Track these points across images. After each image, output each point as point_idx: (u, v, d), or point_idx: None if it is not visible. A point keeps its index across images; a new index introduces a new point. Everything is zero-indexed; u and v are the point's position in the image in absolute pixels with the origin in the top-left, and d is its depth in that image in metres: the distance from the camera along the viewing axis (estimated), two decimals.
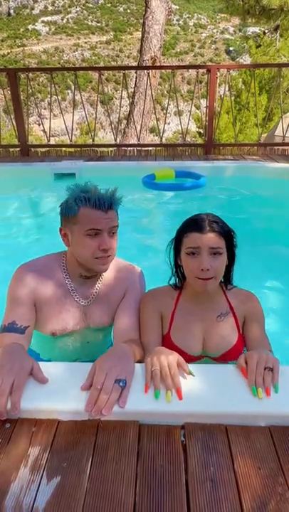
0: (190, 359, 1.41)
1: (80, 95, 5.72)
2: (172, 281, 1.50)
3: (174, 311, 1.46)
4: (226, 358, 1.42)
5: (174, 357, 1.18)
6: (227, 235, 1.35)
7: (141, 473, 0.96)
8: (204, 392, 1.13)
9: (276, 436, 1.06)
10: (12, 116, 5.30)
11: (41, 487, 0.93)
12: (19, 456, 1.01)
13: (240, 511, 0.88)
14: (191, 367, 1.20)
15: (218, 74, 5.21)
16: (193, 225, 1.34)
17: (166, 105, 5.97)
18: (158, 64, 8.75)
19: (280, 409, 1.10)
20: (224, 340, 1.42)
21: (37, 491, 0.92)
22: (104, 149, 5.54)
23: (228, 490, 0.93)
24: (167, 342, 1.44)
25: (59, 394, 1.13)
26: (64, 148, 5.62)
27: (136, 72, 8.65)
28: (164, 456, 1.01)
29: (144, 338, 1.43)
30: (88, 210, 1.31)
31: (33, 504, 0.89)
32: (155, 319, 1.45)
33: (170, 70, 5.56)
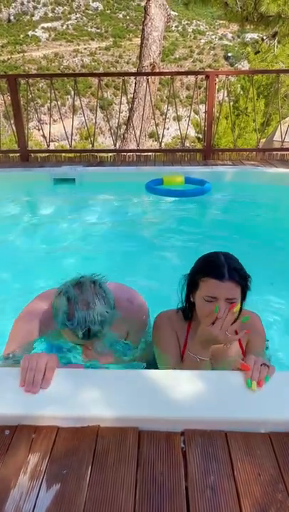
0: None
1: (80, 101, 5.74)
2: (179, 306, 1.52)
3: (186, 340, 1.48)
4: None
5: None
6: (244, 282, 1.34)
7: (140, 480, 0.96)
8: (204, 398, 1.13)
9: (276, 443, 1.05)
10: (12, 122, 5.32)
11: (41, 494, 0.93)
12: (19, 463, 1.00)
13: None
14: (192, 373, 1.20)
15: (217, 80, 5.24)
16: (211, 270, 1.32)
17: (165, 111, 6.00)
18: (157, 70, 8.81)
19: (280, 416, 1.10)
20: (230, 366, 1.42)
21: (36, 498, 0.92)
22: (104, 154, 5.55)
23: (228, 497, 0.92)
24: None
25: (58, 400, 1.13)
26: (64, 154, 5.64)
27: (135, 78, 8.70)
28: (164, 462, 1.01)
29: (165, 353, 1.46)
30: (68, 332, 1.30)
31: (33, 511, 0.89)
32: (173, 340, 1.47)
33: (169, 76, 5.60)
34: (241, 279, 1.33)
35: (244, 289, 1.36)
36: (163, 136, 5.65)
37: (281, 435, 1.08)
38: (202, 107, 5.64)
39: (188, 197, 4.10)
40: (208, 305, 1.31)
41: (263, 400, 1.13)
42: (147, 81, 5.87)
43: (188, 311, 1.48)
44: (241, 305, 1.40)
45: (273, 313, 2.25)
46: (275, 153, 5.41)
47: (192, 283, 1.39)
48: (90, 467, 0.99)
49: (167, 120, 5.90)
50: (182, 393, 1.13)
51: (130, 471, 0.98)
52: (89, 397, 1.13)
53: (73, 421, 1.10)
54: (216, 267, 1.32)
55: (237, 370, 1.22)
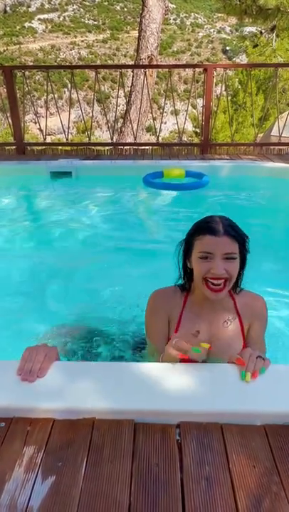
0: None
1: (77, 94, 5.70)
2: (179, 282, 1.46)
3: (182, 313, 1.43)
4: None
5: None
6: (241, 239, 1.30)
7: (136, 472, 0.96)
8: (200, 391, 1.14)
9: (271, 435, 1.06)
10: (8, 115, 5.28)
11: (36, 486, 0.93)
12: (14, 455, 1.00)
13: (235, 510, 0.88)
14: (188, 365, 1.20)
15: (215, 73, 5.20)
16: (207, 227, 1.29)
17: (162, 104, 5.96)
18: (155, 63, 8.73)
19: (275, 408, 1.10)
20: (230, 347, 1.40)
21: (32, 490, 0.92)
22: (101, 148, 5.52)
23: (223, 489, 0.93)
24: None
25: (54, 393, 1.13)
26: (60, 147, 5.60)
27: (133, 71, 8.61)
28: (160, 455, 1.01)
29: (150, 338, 1.44)
30: None
31: (28, 503, 0.89)
32: (162, 321, 1.44)
33: (167, 69, 5.55)
34: (238, 235, 1.28)
35: (242, 250, 1.31)
36: (160, 130, 5.62)
37: (276, 427, 1.08)
38: (200, 101, 5.61)
39: (185, 190, 4.08)
40: (205, 263, 1.27)
41: (259, 392, 1.13)
42: (145, 74, 5.83)
43: (186, 282, 1.43)
44: (240, 276, 1.35)
45: (271, 308, 2.25)
46: (272, 147, 5.40)
47: (188, 246, 1.35)
48: (85, 459, 0.99)
49: (165, 114, 5.87)
50: (178, 386, 1.14)
51: (126, 463, 0.98)
52: (85, 389, 1.13)
53: (69, 413, 1.10)
54: (211, 224, 1.28)
55: (232, 363, 1.22)
